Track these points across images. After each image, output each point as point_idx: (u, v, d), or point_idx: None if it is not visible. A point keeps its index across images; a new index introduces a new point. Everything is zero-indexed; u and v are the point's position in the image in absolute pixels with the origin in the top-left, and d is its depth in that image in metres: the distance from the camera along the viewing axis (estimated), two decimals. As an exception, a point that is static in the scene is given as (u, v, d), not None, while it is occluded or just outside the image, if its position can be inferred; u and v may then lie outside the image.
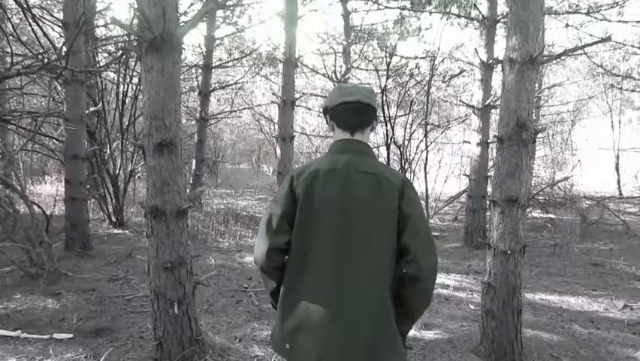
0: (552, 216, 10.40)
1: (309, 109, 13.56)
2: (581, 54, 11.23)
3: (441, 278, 5.93)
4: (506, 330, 3.40)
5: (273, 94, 7.09)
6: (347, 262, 1.61)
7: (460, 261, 6.88)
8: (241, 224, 9.09)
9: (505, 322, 3.41)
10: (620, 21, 9.32)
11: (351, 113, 1.77)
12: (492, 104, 7.32)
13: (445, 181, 12.56)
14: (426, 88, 9.98)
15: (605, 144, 18.99)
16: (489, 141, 7.46)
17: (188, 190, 9.61)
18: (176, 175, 3.06)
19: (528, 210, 9.83)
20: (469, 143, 7.80)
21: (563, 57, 3.27)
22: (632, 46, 11.69)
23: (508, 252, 3.38)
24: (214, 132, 19.36)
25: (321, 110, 2.15)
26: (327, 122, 1.90)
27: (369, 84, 15.62)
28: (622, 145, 18.08)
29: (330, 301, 1.60)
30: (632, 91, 13.17)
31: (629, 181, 16.48)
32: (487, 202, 8.47)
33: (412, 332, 4.02)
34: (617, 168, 18.16)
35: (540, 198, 9.87)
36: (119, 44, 7.62)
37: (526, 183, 3.44)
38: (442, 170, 12.79)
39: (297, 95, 7.16)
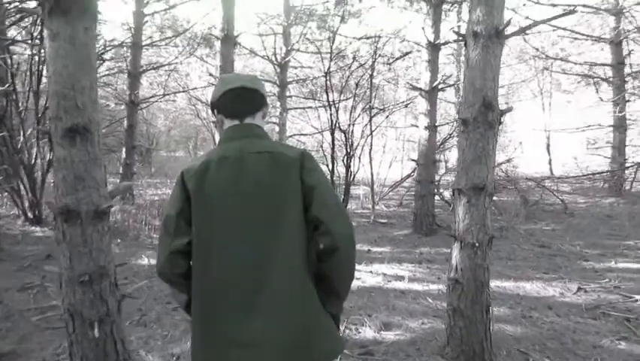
0: (494, 198, 10.49)
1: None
2: (533, 33, 11.40)
3: (394, 269, 5.67)
4: (475, 329, 3.12)
5: (210, 74, 6.50)
6: (255, 250, 1.48)
7: (411, 249, 6.66)
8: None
9: (475, 320, 3.13)
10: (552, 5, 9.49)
11: (237, 99, 1.67)
12: (439, 86, 7.11)
13: (390, 166, 12.41)
14: (369, 71, 9.69)
15: (536, 126, 19.67)
16: (437, 124, 7.27)
17: (112, 185, 8.73)
18: (93, 168, 2.50)
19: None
20: (417, 127, 7.58)
21: (527, 31, 2.98)
22: (565, 29, 11.92)
23: (476, 244, 3.10)
24: (147, 118, 18.28)
25: (209, 107, 1.95)
26: (215, 120, 1.83)
27: (310, 67, 15.20)
28: (552, 126, 18.75)
29: (246, 304, 1.46)
30: (564, 73, 13.51)
31: (565, 161, 17.17)
32: (437, 189, 8.33)
33: (371, 334, 3.70)
34: (548, 149, 18.89)
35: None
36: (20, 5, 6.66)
37: (493, 169, 3.16)
38: (387, 155, 12.64)
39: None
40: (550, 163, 18.49)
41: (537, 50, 10.79)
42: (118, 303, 2.76)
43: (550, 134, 18.72)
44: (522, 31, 3.16)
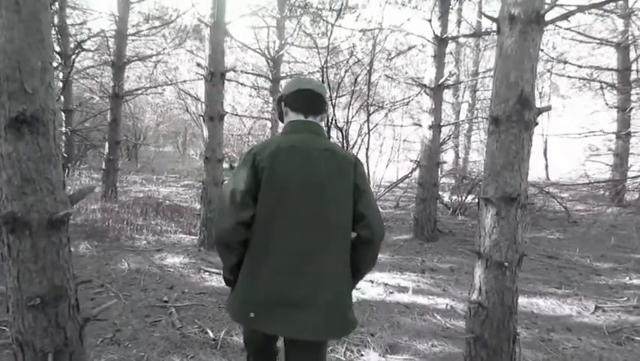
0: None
1: (242, 84, 12.39)
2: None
3: (395, 278, 5.22)
4: (501, 362, 2.68)
5: (198, 65, 5.99)
6: (313, 233, 1.76)
7: (413, 256, 6.21)
8: (163, 216, 7.93)
9: (499, 351, 2.69)
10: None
11: (306, 99, 1.93)
12: (445, 82, 6.67)
13: (387, 166, 11.98)
14: (367, 67, 9.24)
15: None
16: (441, 123, 6.82)
17: (93, 185, 8.11)
18: (47, 167, 2.01)
19: (471, 196, 9.43)
20: (420, 125, 7.13)
21: (572, 15, 2.53)
22: (570, 29, 11.50)
23: (505, 264, 2.65)
24: (134, 112, 17.68)
25: (277, 98, 2.12)
26: (279, 112, 2.04)
27: (304, 62, 14.70)
28: (548, 131, 18.45)
29: (297, 271, 1.74)
30: (569, 77, 13.11)
31: (560, 167, 16.85)
32: (438, 194, 7.89)
33: (375, 358, 3.25)
34: (545, 154, 18.57)
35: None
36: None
37: (527, 177, 2.71)
38: (384, 155, 12.21)
39: (226, 66, 6.12)
40: (546, 169, 18.17)
41: (542, 50, 10.32)
42: (79, 329, 2.27)
43: (547, 139, 18.38)
44: (565, 17, 2.72)
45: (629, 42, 11.07)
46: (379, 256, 6.22)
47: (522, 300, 4.58)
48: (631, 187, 11.84)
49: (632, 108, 11.37)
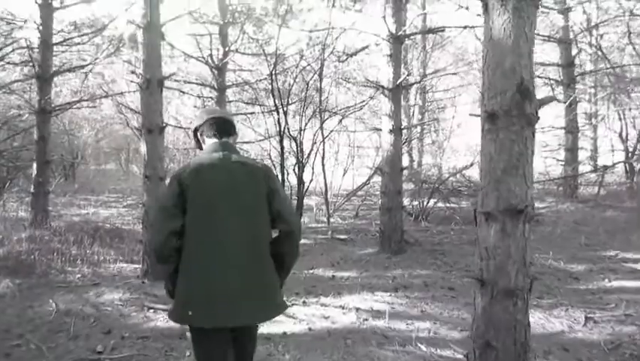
0: (453, 205, 9.79)
1: (184, 92, 11.60)
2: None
3: (367, 300, 4.69)
4: (518, 413, 2.19)
5: (132, 72, 5.30)
6: (235, 233, 2.03)
7: (382, 273, 5.71)
8: (101, 243, 7.06)
9: (514, 398, 2.20)
10: None
11: (218, 124, 2.27)
12: (403, 82, 6.25)
13: (344, 175, 11.52)
14: (318, 71, 8.76)
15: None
16: (402, 127, 6.40)
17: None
18: None
19: (433, 201, 9.11)
20: (379, 130, 6.68)
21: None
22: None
23: (516, 292, 2.17)
24: (69, 129, 16.45)
25: (191, 131, 2.40)
26: (196, 143, 2.38)
27: (250, 70, 14.06)
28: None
29: (226, 268, 1.98)
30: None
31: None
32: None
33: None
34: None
35: (441, 187, 9.18)
36: None
37: (532, 183, 2.25)
38: (340, 163, 11.75)
39: (166, 74, 5.46)
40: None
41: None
42: None
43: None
44: None
45: (570, 37, 11.20)
46: (345, 275, 5.66)
47: (507, 316, 4.17)
48: (584, 182, 11.95)
49: (578, 102, 11.48)
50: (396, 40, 6.24)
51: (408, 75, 6.39)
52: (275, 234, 2.16)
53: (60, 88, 14.26)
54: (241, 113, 13.51)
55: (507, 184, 2.19)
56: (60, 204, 11.48)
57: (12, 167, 12.58)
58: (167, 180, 2.24)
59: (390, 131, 6.25)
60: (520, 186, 2.17)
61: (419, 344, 3.59)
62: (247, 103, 13.23)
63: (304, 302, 4.66)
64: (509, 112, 2.18)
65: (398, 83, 6.14)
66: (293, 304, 4.58)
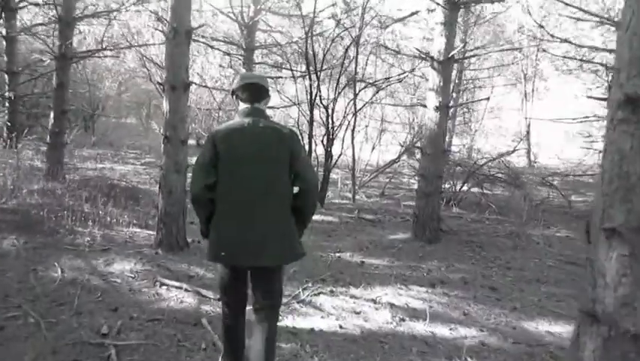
0: (486, 191, 9.19)
1: (212, 47, 10.99)
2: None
3: (402, 295, 4.21)
4: None
5: (159, 20, 4.76)
6: (260, 188, 2.35)
7: (416, 263, 5.20)
8: (115, 203, 6.65)
9: None
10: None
11: (251, 90, 2.51)
12: (457, 55, 5.61)
13: (372, 150, 10.94)
14: (357, 36, 8.10)
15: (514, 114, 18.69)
16: (450, 104, 5.79)
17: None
18: None
19: (466, 186, 8.53)
20: (424, 106, 6.07)
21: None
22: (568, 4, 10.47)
23: (643, 336, 1.65)
24: (91, 79, 16.01)
25: (230, 91, 2.70)
26: (235, 100, 2.61)
27: (280, 32, 13.37)
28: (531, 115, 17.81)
29: (252, 217, 2.34)
30: (565, 57, 12.18)
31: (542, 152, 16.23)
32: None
33: None
34: (527, 138, 17.91)
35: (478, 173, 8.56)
36: None
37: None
38: (369, 137, 11.15)
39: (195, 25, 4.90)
40: (528, 153, 17.54)
41: (539, 25, 9.25)
42: None
43: (530, 122, 17.70)
44: None
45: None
46: (375, 262, 5.11)
47: (561, 328, 3.69)
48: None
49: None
50: (454, 7, 5.55)
51: (464, 46, 5.71)
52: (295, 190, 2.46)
53: (85, 36, 13.74)
54: (268, 77, 12.91)
55: (646, 194, 1.64)
56: (77, 156, 11.12)
57: (31, 114, 12.27)
58: (204, 140, 2.59)
59: (437, 108, 5.63)
60: (664, 199, 1.63)
61: (469, 359, 3.11)
62: (275, 67, 12.62)
63: (332, 291, 4.20)
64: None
65: (451, 55, 5.49)
66: (320, 293, 4.14)
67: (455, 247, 5.89)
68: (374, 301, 4.04)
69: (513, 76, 18.68)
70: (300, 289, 4.15)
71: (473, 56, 9.45)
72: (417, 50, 6.06)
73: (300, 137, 2.66)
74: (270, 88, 2.59)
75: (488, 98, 10.42)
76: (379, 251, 5.62)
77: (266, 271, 2.43)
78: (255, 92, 2.50)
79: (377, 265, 5.09)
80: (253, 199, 2.33)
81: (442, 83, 5.65)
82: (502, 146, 11.57)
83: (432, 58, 5.68)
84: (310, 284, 4.32)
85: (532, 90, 18.71)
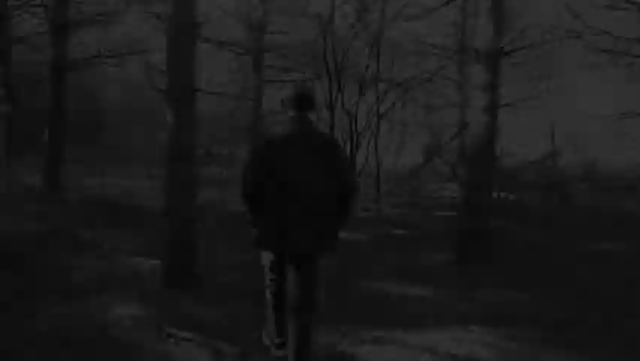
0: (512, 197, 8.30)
1: (221, 42, 10.24)
2: None
3: (462, 341, 3.40)
4: None
5: (158, 17, 4.07)
6: (308, 187, 2.64)
7: (467, 292, 4.38)
8: (117, 225, 5.92)
9: None
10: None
11: (297, 100, 2.79)
12: (507, 48, 4.83)
13: (396, 155, 10.17)
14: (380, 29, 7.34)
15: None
16: (503, 103, 5.01)
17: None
18: None
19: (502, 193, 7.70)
20: (470, 107, 5.26)
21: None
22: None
23: None
24: (93, 88, 15.43)
25: (280, 101, 2.97)
26: (285, 109, 2.86)
27: (286, 33, 12.62)
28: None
29: (299, 212, 2.63)
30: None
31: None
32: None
33: None
34: (552, 137, 16.96)
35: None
36: None
37: None
38: (393, 141, 10.37)
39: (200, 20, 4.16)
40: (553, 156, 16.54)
41: (575, 15, 8.38)
42: None
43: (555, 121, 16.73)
44: None
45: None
46: (418, 293, 4.36)
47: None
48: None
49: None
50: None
51: (521, 34, 4.92)
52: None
53: (86, 45, 13.17)
54: (278, 80, 12.20)
55: None
56: (78, 170, 10.43)
57: (29, 130, 11.65)
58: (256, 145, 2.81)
59: (485, 109, 4.84)
60: None
61: None
62: (286, 69, 11.92)
63: (376, 339, 3.40)
64: None
65: (500, 47, 4.71)
66: (362, 341, 3.35)
67: (507, 269, 5.05)
68: (431, 351, 3.25)
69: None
70: (337, 336, 3.37)
71: (522, 48, 8.58)
72: (463, 44, 5.27)
73: (338, 141, 3.03)
74: (317, 100, 2.97)
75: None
76: (420, 277, 4.80)
77: (304, 260, 2.74)
78: (300, 101, 2.79)
79: (423, 297, 4.30)
80: (297, 197, 2.62)
81: (491, 80, 4.83)
82: (534, 146, 10.68)
83: (476, 51, 4.88)
84: (346, 328, 3.53)
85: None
